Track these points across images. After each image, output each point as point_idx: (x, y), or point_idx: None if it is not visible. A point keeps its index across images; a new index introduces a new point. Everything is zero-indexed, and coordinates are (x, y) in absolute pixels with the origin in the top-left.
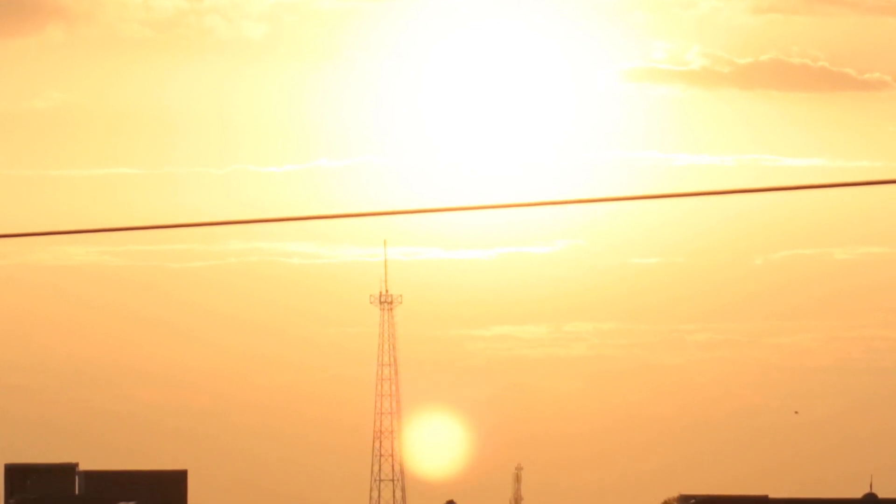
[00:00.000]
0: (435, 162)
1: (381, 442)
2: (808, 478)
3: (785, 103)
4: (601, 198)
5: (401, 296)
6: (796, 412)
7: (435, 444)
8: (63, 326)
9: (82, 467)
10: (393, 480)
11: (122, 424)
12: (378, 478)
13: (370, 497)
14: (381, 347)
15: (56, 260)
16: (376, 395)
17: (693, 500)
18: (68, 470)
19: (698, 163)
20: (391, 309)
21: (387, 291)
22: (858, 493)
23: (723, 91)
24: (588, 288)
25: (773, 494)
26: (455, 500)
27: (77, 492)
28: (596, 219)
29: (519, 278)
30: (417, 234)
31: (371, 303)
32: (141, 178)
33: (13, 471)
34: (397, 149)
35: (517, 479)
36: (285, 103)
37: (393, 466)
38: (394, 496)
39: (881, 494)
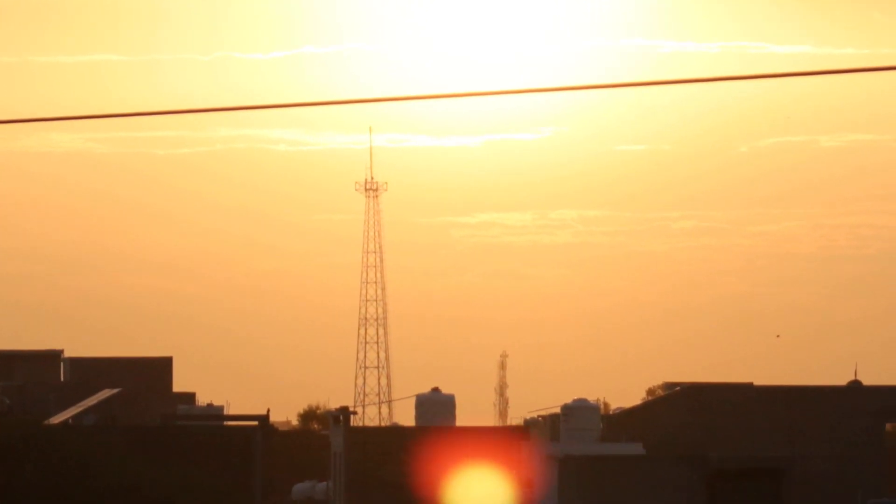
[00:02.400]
0: (421, 49)
1: (366, 329)
2: (792, 365)
3: None
4: (587, 85)
5: (386, 183)
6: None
7: (420, 330)
8: (49, 213)
9: (67, 354)
10: (378, 368)
11: (108, 311)
12: (363, 365)
13: (355, 384)
14: (366, 234)
15: (42, 147)
16: (362, 281)
17: (678, 388)
18: (53, 357)
19: (684, 50)
20: (377, 196)
21: (372, 178)
22: (843, 381)
23: None
24: (573, 175)
25: (757, 382)
26: (440, 387)
27: (62, 378)
28: (582, 106)
29: (505, 165)
30: (403, 121)
31: (356, 190)
32: (126, 64)
33: None
34: (384, 36)
35: (502, 365)
36: None
37: (378, 354)
38: (379, 383)
39: (866, 382)
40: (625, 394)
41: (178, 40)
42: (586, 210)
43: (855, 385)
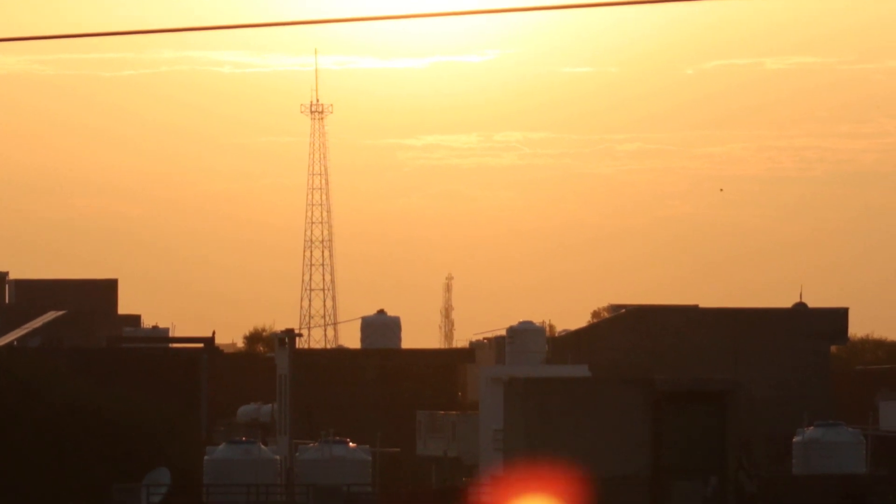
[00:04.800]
0: None
1: (311, 251)
2: (738, 288)
3: None
4: (533, 7)
5: (332, 105)
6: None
7: (365, 253)
8: None
9: (12, 276)
10: (323, 290)
11: (53, 232)
12: (309, 287)
13: (301, 306)
14: (311, 157)
15: None
16: (307, 204)
17: (623, 310)
18: None
19: None
20: (322, 118)
21: (318, 101)
22: (788, 303)
23: None
24: (519, 97)
25: (702, 304)
26: (385, 310)
27: (7, 301)
28: (528, 28)
29: (450, 88)
30: (349, 43)
31: (302, 112)
32: None
33: None
34: None
35: (448, 288)
36: None
37: (323, 276)
38: (324, 305)
39: (811, 304)
40: (570, 316)
41: None
42: (532, 132)
43: (800, 307)
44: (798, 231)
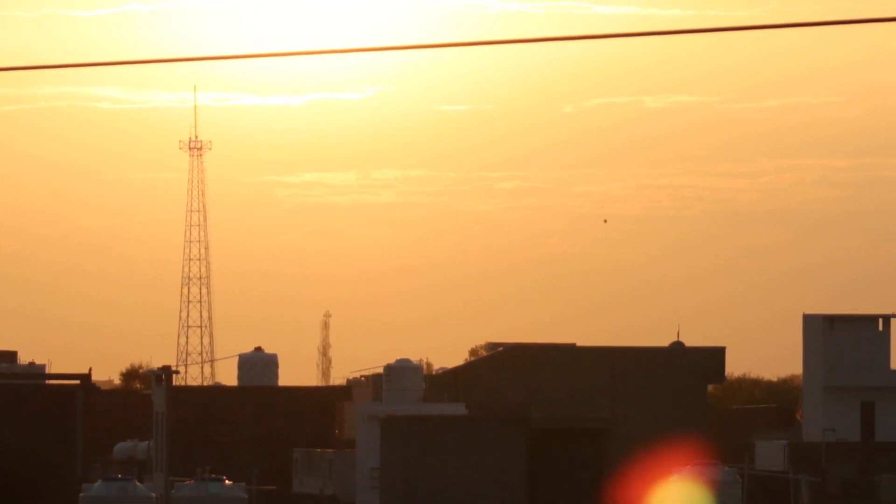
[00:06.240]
0: (246, 7)
1: (189, 288)
2: (616, 326)
3: None
4: (411, 45)
5: (210, 142)
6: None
7: (243, 290)
8: None
9: None
10: (201, 327)
11: None
12: (186, 324)
13: (178, 343)
14: (190, 193)
15: None
16: (185, 240)
17: (500, 348)
18: None
19: (510, 9)
20: (201, 155)
21: (196, 137)
22: (665, 342)
23: None
24: (397, 135)
25: (580, 342)
26: (262, 347)
27: None
28: (407, 66)
29: (328, 125)
30: (228, 80)
31: (180, 148)
32: None
33: None
34: None
35: (325, 325)
36: None
37: (201, 313)
38: (201, 342)
39: (688, 343)
40: (448, 354)
41: None
42: (409, 170)
43: (677, 346)
44: (675, 270)
